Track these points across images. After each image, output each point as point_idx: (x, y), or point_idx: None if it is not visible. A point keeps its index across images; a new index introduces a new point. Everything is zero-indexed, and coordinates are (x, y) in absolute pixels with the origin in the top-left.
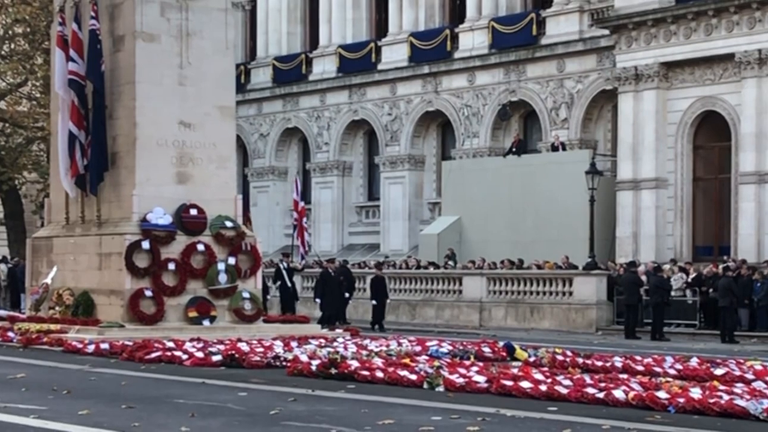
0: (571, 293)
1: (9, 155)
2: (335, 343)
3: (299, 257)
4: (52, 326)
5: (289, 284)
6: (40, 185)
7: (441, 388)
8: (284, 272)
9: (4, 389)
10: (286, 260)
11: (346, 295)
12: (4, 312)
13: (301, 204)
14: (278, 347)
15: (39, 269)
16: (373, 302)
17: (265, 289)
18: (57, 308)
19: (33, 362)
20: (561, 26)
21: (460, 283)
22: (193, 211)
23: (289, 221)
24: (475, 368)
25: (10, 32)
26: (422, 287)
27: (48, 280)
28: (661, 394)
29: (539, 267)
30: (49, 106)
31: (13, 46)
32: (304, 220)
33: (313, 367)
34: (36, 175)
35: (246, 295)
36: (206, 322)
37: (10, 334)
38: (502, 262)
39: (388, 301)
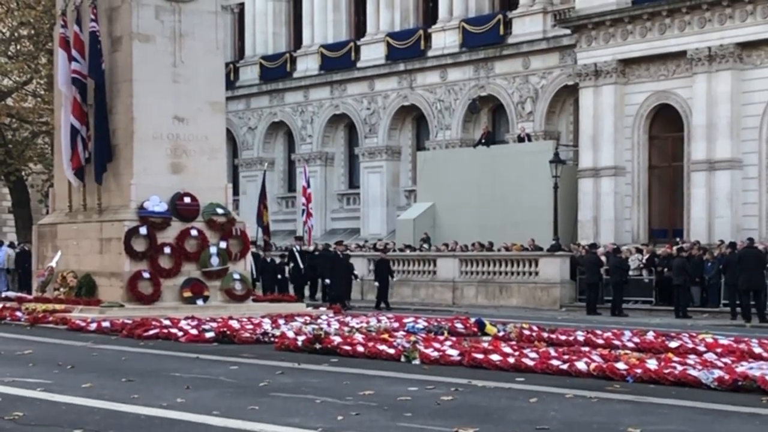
0: (536, 273)
1: (16, 148)
2: (319, 320)
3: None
4: (57, 306)
5: (301, 266)
6: (45, 176)
7: (417, 361)
8: (297, 255)
9: (13, 364)
10: (298, 243)
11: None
12: (13, 293)
13: (309, 190)
14: (266, 324)
15: (44, 253)
16: (376, 284)
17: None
18: (61, 289)
19: (39, 339)
20: (526, 26)
21: (435, 265)
22: (187, 199)
23: (277, 208)
24: (448, 343)
25: (15, 34)
26: (399, 268)
27: (53, 264)
28: (620, 366)
29: (507, 249)
30: (52, 102)
31: (18, 47)
32: (310, 204)
33: (299, 343)
34: (41, 166)
35: (236, 276)
36: (200, 302)
37: (18, 313)
38: (473, 244)
39: (392, 280)
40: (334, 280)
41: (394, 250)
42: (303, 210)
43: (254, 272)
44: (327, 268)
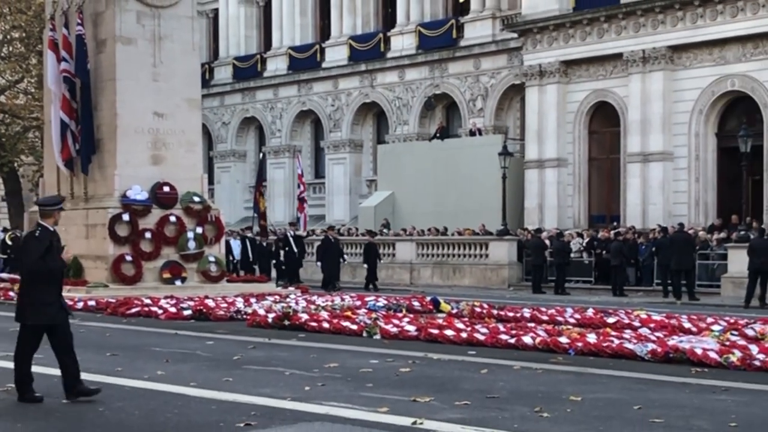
0: (487, 255)
1: (9, 142)
2: (288, 299)
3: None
4: None
5: (295, 250)
6: (35, 167)
7: (378, 336)
8: (291, 239)
9: (6, 341)
10: (292, 228)
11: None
12: (7, 275)
13: (303, 179)
14: (240, 303)
15: None
16: (365, 266)
17: (278, 255)
18: None
19: None
20: (477, 30)
21: (394, 248)
22: (166, 188)
23: (248, 196)
24: (406, 319)
25: (8, 37)
26: (362, 251)
27: None
28: (563, 340)
29: (460, 233)
30: (42, 99)
31: (11, 48)
32: (305, 192)
33: (269, 320)
34: (32, 158)
35: (212, 259)
36: (178, 282)
37: (12, 293)
38: (428, 229)
39: (379, 262)
40: (326, 263)
41: (357, 235)
42: (300, 197)
43: (251, 256)
44: (320, 252)
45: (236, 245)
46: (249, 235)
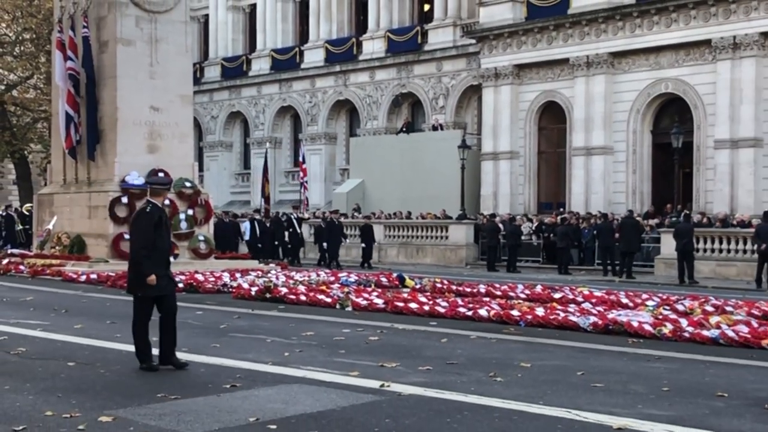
0: (447, 237)
1: (20, 132)
2: (269, 275)
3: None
4: (53, 261)
5: (299, 231)
6: (43, 154)
7: (349, 308)
8: (294, 221)
9: (16, 309)
10: (295, 212)
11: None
12: (17, 250)
13: (304, 166)
14: (226, 277)
15: (43, 218)
16: (363, 245)
17: (282, 236)
18: (57, 247)
19: (38, 288)
20: (439, 36)
21: None
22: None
23: (234, 182)
24: (375, 293)
25: (20, 38)
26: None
27: (50, 226)
28: (515, 312)
29: (423, 217)
30: (50, 94)
31: (22, 48)
32: (305, 178)
33: (253, 293)
34: (41, 146)
35: (201, 238)
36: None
37: (21, 267)
38: (395, 213)
39: (375, 243)
40: (329, 243)
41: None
42: (301, 183)
43: (258, 235)
44: (324, 233)
45: (247, 227)
46: (257, 217)
